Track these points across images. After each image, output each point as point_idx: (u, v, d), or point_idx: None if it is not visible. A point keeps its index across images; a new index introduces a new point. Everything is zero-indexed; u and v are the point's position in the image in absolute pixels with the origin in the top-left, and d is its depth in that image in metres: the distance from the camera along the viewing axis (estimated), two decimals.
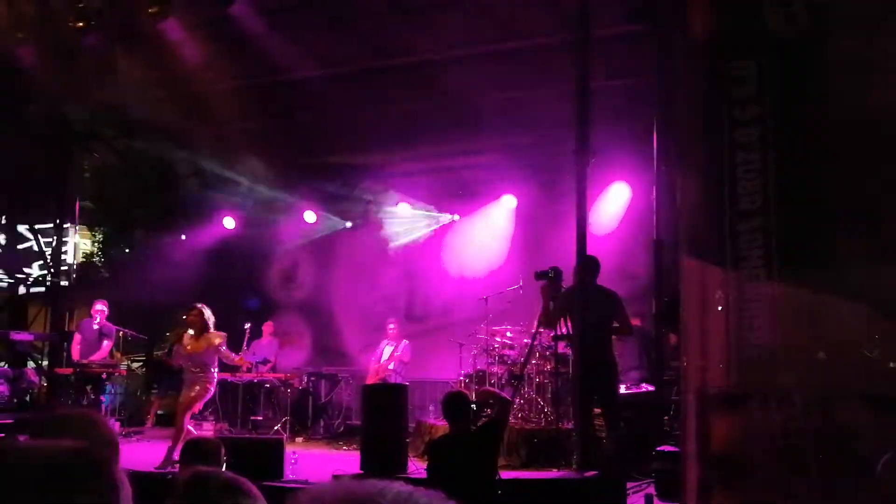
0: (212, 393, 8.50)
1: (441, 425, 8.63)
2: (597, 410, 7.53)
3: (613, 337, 7.76)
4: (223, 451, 4.28)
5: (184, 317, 8.51)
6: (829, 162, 4.74)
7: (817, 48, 4.80)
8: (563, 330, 7.51)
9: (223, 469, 3.93)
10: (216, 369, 8.51)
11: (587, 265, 7.17)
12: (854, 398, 4.41)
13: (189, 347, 8.34)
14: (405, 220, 13.09)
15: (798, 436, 4.47)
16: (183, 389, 8.41)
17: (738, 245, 4.82)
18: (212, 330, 8.41)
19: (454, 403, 5.89)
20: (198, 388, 8.27)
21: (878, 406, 4.32)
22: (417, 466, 7.74)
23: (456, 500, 1.00)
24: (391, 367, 11.14)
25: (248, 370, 10.97)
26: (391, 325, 11.52)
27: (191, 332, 8.37)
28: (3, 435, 8.11)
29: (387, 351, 11.37)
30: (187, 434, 8.02)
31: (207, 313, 8.41)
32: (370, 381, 11.02)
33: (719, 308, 4.82)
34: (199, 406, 8.61)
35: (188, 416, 8.38)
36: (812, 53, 4.80)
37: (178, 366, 8.65)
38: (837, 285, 4.54)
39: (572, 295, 7.31)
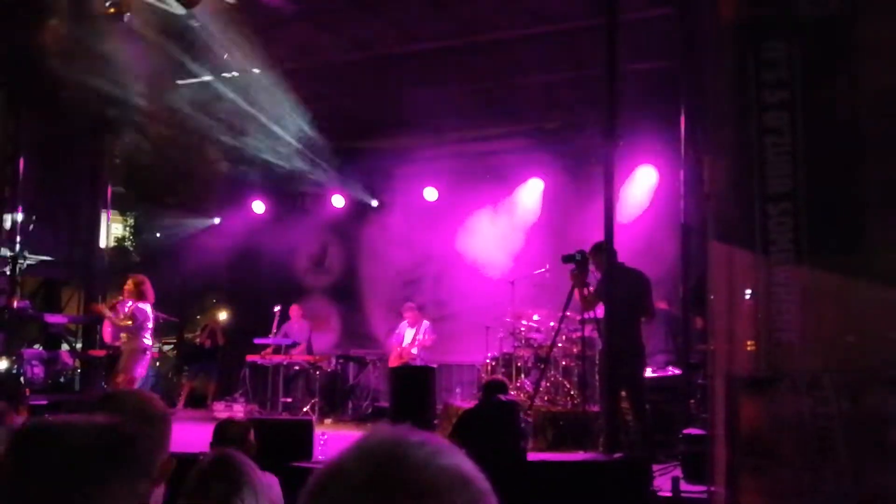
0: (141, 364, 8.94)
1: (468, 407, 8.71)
2: (623, 393, 7.56)
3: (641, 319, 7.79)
4: (251, 432, 4.39)
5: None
6: (860, 145, 4.71)
7: (847, 30, 4.76)
8: (599, 313, 7.58)
9: (252, 450, 4.05)
10: (146, 338, 8.97)
11: (606, 250, 7.21)
12: (884, 383, 4.40)
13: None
14: (433, 204, 13.11)
15: (827, 420, 4.47)
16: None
17: (767, 229, 4.81)
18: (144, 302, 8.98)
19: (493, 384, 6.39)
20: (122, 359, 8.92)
21: None
22: None
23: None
24: (414, 351, 11.21)
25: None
26: (407, 312, 11.57)
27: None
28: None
29: (408, 335, 11.43)
30: None
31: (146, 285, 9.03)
32: (392, 364, 11.11)
33: (747, 292, 4.82)
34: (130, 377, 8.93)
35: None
36: (842, 36, 4.76)
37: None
38: (867, 269, 4.53)
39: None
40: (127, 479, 1.45)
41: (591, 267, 7.79)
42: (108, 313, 9.26)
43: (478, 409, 6.51)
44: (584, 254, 8.09)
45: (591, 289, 7.78)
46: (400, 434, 0.99)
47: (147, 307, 8.92)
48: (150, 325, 9.02)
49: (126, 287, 8.95)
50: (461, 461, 0.98)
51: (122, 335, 9.02)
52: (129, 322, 8.75)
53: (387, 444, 0.97)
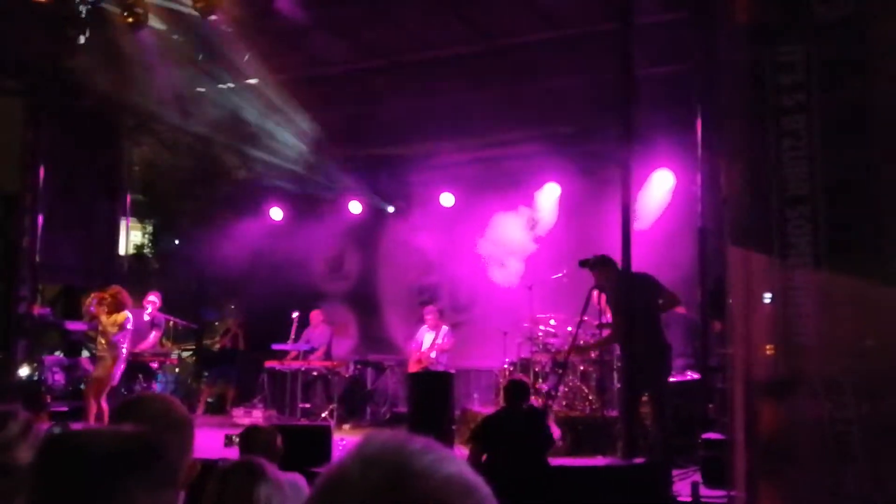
0: (119, 370, 9.18)
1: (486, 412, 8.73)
2: (644, 398, 7.53)
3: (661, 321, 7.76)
4: (278, 437, 4.39)
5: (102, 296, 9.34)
6: (876, 148, 4.70)
7: (862, 31, 4.74)
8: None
9: (278, 456, 4.07)
10: (125, 349, 9.22)
11: (612, 262, 7.26)
12: None
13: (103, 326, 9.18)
14: (450, 210, 13.12)
15: (846, 424, 4.45)
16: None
17: (785, 233, 4.80)
18: (124, 311, 9.18)
19: (517, 387, 6.56)
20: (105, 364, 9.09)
21: None
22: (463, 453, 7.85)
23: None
24: (433, 355, 11.20)
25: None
26: (428, 315, 11.58)
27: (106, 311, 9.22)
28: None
29: (427, 339, 11.41)
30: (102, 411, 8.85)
31: (122, 295, 9.25)
32: (412, 369, 11.11)
33: (765, 296, 4.81)
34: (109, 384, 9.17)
35: (103, 394, 9.05)
36: (857, 37, 4.75)
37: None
38: (886, 272, 4.51)
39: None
40: (153, 489, 1.45)
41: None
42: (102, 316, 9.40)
43: (504, 415, 6.49)
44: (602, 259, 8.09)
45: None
46: (401, 440, 0.99)
47: (129, 315, 9.26)
48: (129, 336, 9.34)
49: (105, 301, 9.15)
50: (463, 468, 0.98)
51: (102, 342, 9.24)
52: (116, 329, 8.97)
53: (389, 451, 0.97)
